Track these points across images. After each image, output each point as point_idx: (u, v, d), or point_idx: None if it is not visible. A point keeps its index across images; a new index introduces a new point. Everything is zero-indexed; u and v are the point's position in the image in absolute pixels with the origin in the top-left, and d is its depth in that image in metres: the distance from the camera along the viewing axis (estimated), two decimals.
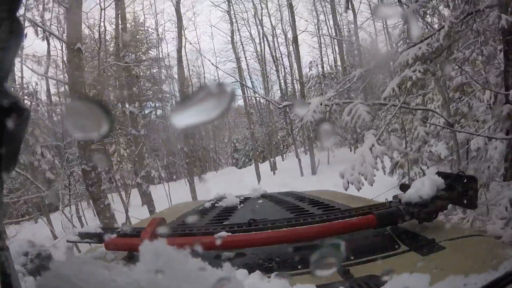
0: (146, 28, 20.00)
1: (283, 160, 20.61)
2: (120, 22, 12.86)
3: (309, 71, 18.50)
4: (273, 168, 17.65)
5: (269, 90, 20.80)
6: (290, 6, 15.91)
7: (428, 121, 5.09)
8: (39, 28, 7.37)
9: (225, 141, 29.64)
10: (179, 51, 14.53)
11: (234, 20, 18.37)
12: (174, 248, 0.41)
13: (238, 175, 17.74)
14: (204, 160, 27.02)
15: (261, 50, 19.70)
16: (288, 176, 13.95)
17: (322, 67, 20.72)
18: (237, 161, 26.97)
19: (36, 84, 13.83)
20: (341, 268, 0.79)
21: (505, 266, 0.61)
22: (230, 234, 0.86)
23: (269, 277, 0.72)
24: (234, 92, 0.44)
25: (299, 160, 14.64)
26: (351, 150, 17.48)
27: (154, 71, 21.52)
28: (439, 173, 1.07)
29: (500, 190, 3.48)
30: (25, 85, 10.75)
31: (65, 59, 9.89)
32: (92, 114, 0.41)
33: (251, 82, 21.11)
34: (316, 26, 19.91)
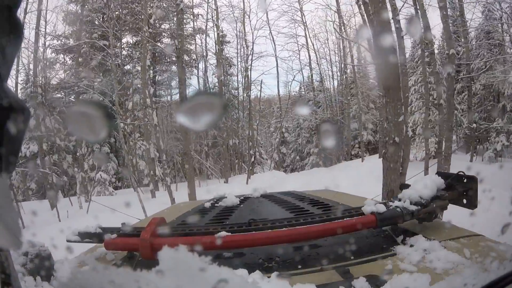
0: None
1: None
2: None
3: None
4: None
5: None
6: None
7: None
8: None
9: (270, 130, 22.21)
10: None
11: None
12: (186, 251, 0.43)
13: None
14: (236, 154, 19.27)
15: None
16: None
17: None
18: (283, 156, 19.74)
19: None
20: (341, 268, 0.79)
21: (505, 266, 0.61)
22: (230, 234, 0.86)
23: (269, 277, 0.72)
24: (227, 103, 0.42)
25: None
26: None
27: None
28: (439, 173, 1.07)
29: None
30: None
31: None
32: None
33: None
34: None
